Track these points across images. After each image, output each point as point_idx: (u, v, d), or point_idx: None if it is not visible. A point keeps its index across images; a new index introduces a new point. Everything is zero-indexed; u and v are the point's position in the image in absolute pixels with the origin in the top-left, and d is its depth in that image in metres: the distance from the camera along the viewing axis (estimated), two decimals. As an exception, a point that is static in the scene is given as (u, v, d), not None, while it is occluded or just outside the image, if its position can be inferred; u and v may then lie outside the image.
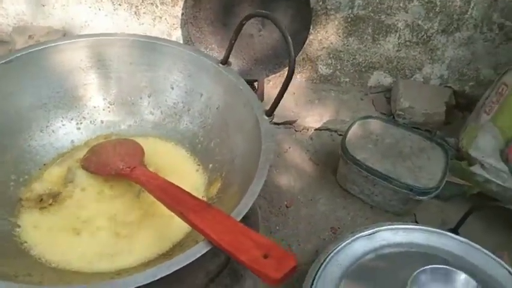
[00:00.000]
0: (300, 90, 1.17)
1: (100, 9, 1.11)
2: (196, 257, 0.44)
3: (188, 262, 0.43)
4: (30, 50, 0.67)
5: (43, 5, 1.13)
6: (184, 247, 0.55)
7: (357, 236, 0.75)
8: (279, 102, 0.62)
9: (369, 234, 0.75)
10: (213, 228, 0.44)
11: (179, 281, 0.53)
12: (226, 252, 0.42)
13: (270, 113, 0.61)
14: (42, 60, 0.68)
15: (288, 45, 0.57)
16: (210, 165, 0.68)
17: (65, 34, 1.13)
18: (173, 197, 0.51)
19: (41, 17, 1.15)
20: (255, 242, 0.41)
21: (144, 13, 1.11)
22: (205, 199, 0.63)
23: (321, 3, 1.06)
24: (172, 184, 0.54)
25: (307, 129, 1.09)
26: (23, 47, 1.03)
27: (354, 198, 0.95)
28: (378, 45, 1.14)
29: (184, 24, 1.11)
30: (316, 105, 1.14)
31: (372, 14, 1.08)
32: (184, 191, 0.53)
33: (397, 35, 1.11)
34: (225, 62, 0.69)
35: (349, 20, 1.09)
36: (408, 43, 1.13)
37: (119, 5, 1.09)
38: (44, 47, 0.68)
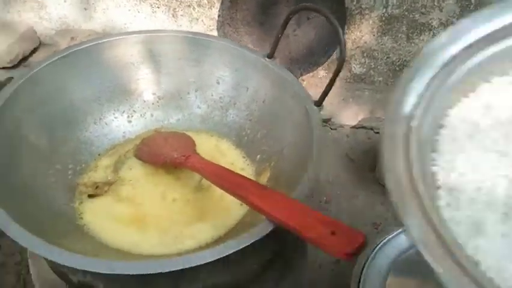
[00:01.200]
0: (334, 89, 1.16)
1: (138, 11, 1.15)
2: (263, 235, 0.45)
3: (255, 239, 0.45)
4: (85, 46, 0.70)
5: (85, 9, 1.17)
6: (240, 231, 0.57)
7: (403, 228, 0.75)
8: (327, 93, 0.63)
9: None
10: (276, 209, 0.46)
11: (235, 266, 0.55)
12: (292, 230, 0.43)
13: (319, 103, 0.63)
14: (96, 55, 0.71)
15: (338, 34, 0.59)
16: (258, 156, 0.69)
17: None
18: (231, 182, 0.53)
19: (83, 20, 1.19)
20: (319, 221, 0.43)
21: (181, 15, 1.14)
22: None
23: (355, 2, 1.08)
24: (228, 169, 0.56)
25: (343, 127, 1.10)
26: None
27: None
28: (413, 44, 1.14)
29: (221, 25, 1.14)
30: (351, 104, 1.15)
31: (406, 13, 1.09)
32: (240, 175, 0.55)
33: (431, 33, 1.12)
34: (270, 56, 0.71)
35: (383, 19, 1.10)
36: (442, 41, 1.13)
37: (158, 7, 1.13)
38: (98, 42, 0.71)
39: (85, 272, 0.53)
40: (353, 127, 1.10)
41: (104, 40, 0.71)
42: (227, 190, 0.53)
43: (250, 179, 0.53)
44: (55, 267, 0.58)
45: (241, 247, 0.44)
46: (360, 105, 1.15)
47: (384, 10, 1.09)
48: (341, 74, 1.21)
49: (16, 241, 0.43)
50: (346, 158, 1.02)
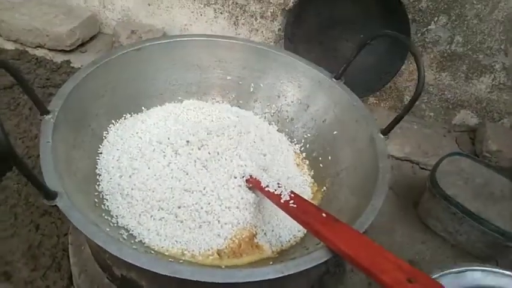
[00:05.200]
0: (383, 118, 1.16)
1: (201, 14, 1.16)
2: (321, 261, 0.44)
3: (312, 265, 0.44)
4: (157, 42, 0.71)
5: (149, 4, 1.19)
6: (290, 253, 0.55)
7: (445, 272, 0.72)
8: (397, 123, 0.62)
9: (458, 272, 0.73)
10: (344, 242, 0.43)
11: (284, 283, 0.53)
12: (361, 268, 0.41)
13: (386, 131, 0.61)
14: (166, 53, 0.71)
15: (419, 66, 0.57)
16: (311, 174, 0.68)
17: (164, 34, 1.19)
18: (297, 207, 0.51)
19: (145, 15, 1.22)
20: (394, 264, 0.40)
21: (243, 24, 1.15)
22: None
23: (419, 35, 1.06)
24: (294, 193, 0.54)
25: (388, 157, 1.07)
26: (126, 40, 1.10)
27: (434, 235, 0.92)
28: (470, 84, 1.12)
29: (279, 39, 1.14)
30: (398, 135, 1.13)
31: (470, 52, 1.07)
32: (307, 201, 0.53)
33: (492, 76, 1.09)
34: (339, 77, 0.70)
35: (445, 55, 1.08)
36: (502, 86, 1.10)
37: (221, 13, 1.14)
38: (169, 40, 0.72)
39: (130, 268, 0.52)
40: (398, 158, 1.08)
41: (176, 39, 0.72)
42: (291, 214, 0.51)
43: (318, 207, 0.51)
44: (101, 258, 0.58)
45: (300, 270, 0.43)
46: (407, 138, 1.13)
47: (448, 46, 1.07)
48: (392, 103, 1.20)
49: (86, 234, 0.42)
50: (390, 191, 1.00)
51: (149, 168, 0.59)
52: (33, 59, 1.16)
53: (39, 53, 1.20)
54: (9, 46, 1.20)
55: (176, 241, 0.54)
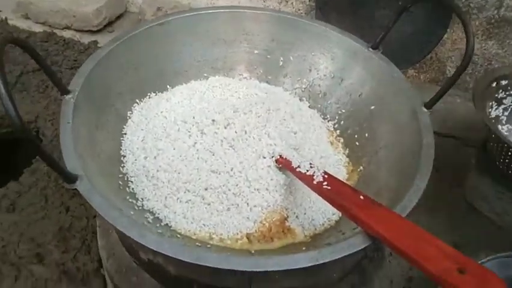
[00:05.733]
0: (423, 91, 1.08)
1: (227, -12, 1.11)
2: (359, 248, 0.40)
3: (349, 252, 0.40)
4: (179, 16, 0.67)
5: (174, -20, 1.15)
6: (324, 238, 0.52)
7: (492, 256, 0.67)
8: (443, 95, 0.56)
9: (506, 257, 0.67)
10: (384, 226, 0.39)
11: (317, 272, 0.50)
12: (403, 256, 0.37)
13: (430, 105, 0.56)
14: (190, 27, 0.68)
15: (466, 31, 0.51)
16: (346, 152, 0.64)
17: (190, 9, 1.15)
18: (332, 188, 0.47)
19: (170, -9, 1.18)
20: (443, 252, 0.35)
21: (271, -5, 1.09)
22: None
23: (463, 0, 0.97)
24: (328, 173, 0.50)
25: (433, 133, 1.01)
26: (152, 18, 1.07)
27: (480, 216, 0.86)
28: (521, 53, 1.02)
29: (310, 10, 1.07)
30: (440, 109, 1.05)
31: (521, 17, 0.97)
32: (343, 182, 0.49)
33: (546, 42, 0.99)
34: (376, 46, 0.64)
35: (492, 21, 0.99)
36: (557, 53, 1.00)
37: (247, -15, 1.09)
38: (192, 14, 0.68)
39: (156, 253, 0.50)
40: (440, 134, 1.01)
41: (200, 12, 0.68)
42: (325, 196, 0.47)
43: (352, 187, 0.47)
44: (127, 242, 0.56)
45: (335, 258, 0.39)
46: (450, 112, 1.05)
47: (496, 11, 0.97)
48: (432, 75, 1.12)
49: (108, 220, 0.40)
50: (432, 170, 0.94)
51: (174, 149, 0.56)
52: (61, 41, 1.15)
53: (67, 34, 1.19)
54: (38, 29, 1.19)
55: (204, 224, 0.51)
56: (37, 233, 0.72)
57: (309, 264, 0.38)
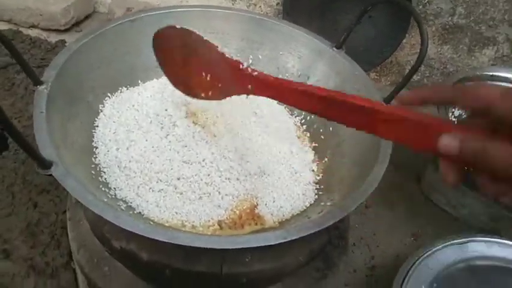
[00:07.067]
0: (385, 93, 1.14)
1: (197, -10, 1.13)
2: (324, 227, 0.43)
3: (315, 230, 0.43)
4: (152, 13, 0.69)
5: (144, -19, 1.17)
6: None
7: (448, 243, 0.72)
8: (400, 90, 0.60)
9: (461, 243, 0.72)
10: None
11: (286, 252, 0.52)
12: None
13: (388, 100, 0.60)
14: (161, 24, 0.68)
15: (421, 29, 0.56)
16: (312, 146, 0.67)
17: (160, 11, 1.17)
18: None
19: (140, -8, 1.19)
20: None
21: (240, -1, 1.12)
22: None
23: (421, 7, 1.04)
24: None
25: (390, 133, 1.06)
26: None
27: (436, 208, 0.91)
28: (473, 57, 1.10)
29: (278, 13, 1.11)
30: (400, 111, 1.12)
31: (472, 24, 1.05)
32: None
33: (495, 48, 1.07)
34: (340, 46, 0.68)
35: (447, 27, 1.06)
36: (505, 58, 1.08)
37: (217, -12, 1.12)
38: (165, 11, 0.69)
39: (129, 239, 0.52)
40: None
41: (171, 10, 0.70)
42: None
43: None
44: (99, 231, 0.57)
45: (302, 235, 0.42)
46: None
47: (449, 18, 1.04)
48: (392, 78, 1.19)
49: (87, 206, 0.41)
50: (391, 165, 0.99)
51: (146, 140, 0.57)
52: (28, 39, 1.14)
53: (33, 33, 1.17)
54: (3, 26, 1.17)
55: (176, 212, 0.53)
56: (4, 229, 0.72)
57: (278, 241, 0.40)
